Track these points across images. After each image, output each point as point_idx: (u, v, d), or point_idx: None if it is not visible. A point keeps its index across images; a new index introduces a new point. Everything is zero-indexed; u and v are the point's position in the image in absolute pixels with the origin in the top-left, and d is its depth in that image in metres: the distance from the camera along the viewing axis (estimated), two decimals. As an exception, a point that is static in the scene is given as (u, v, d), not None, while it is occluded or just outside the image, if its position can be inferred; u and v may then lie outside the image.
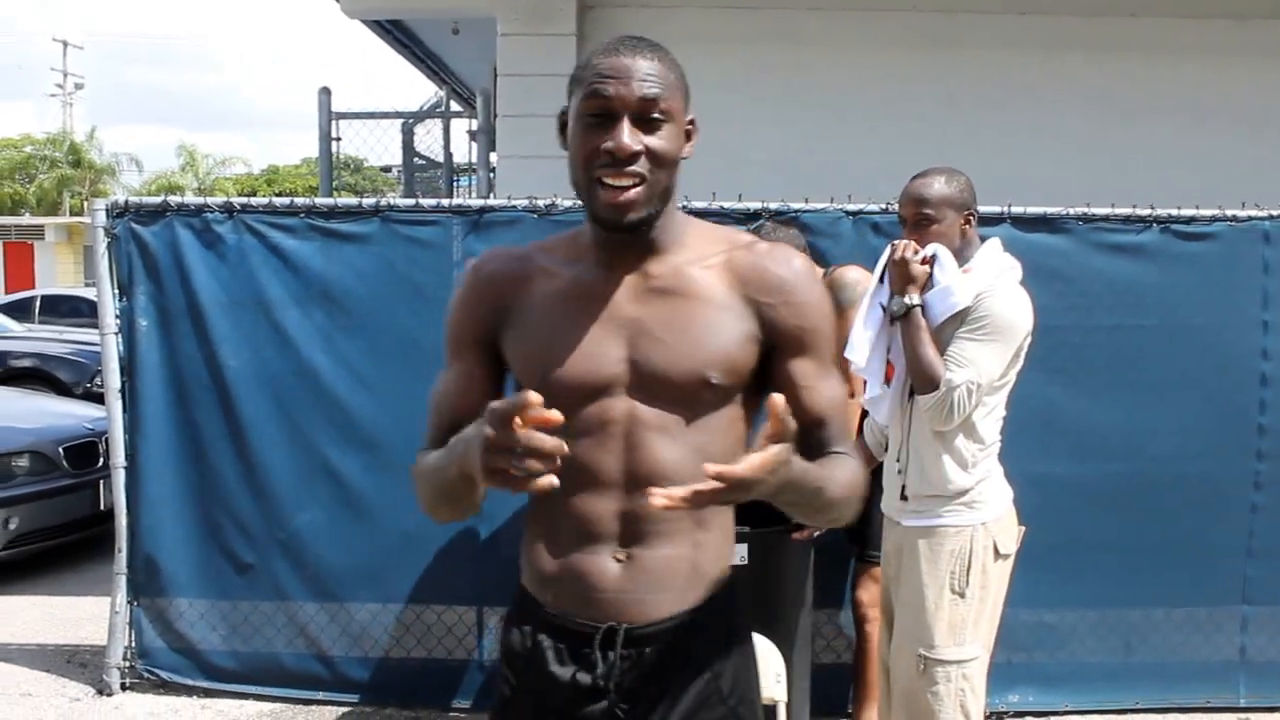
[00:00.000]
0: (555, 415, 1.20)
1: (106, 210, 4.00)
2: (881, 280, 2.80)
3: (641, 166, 1.42)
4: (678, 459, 1.47)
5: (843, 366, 3.16)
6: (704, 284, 1.51)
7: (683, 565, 1.51)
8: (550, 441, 1.20)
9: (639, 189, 1.42)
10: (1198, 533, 3.95)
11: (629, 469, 1.46)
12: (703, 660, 1.53)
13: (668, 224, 1.51)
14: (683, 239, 1.54)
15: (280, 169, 38.83)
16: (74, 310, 13.85)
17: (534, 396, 1.19)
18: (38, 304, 13.93)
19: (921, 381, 2.63)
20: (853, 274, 3.35)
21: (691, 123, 1.50)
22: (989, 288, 2.65)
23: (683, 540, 1.50)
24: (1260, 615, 4.02)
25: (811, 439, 1.51)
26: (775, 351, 1.53)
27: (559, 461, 1.21)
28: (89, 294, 14.97)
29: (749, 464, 1.24)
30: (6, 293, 18.34)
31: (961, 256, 2.73)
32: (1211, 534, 3.97)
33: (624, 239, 1.49)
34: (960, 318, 2.65)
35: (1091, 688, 4.01)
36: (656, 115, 1.43)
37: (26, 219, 26.59)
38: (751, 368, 1.53)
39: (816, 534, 3.22)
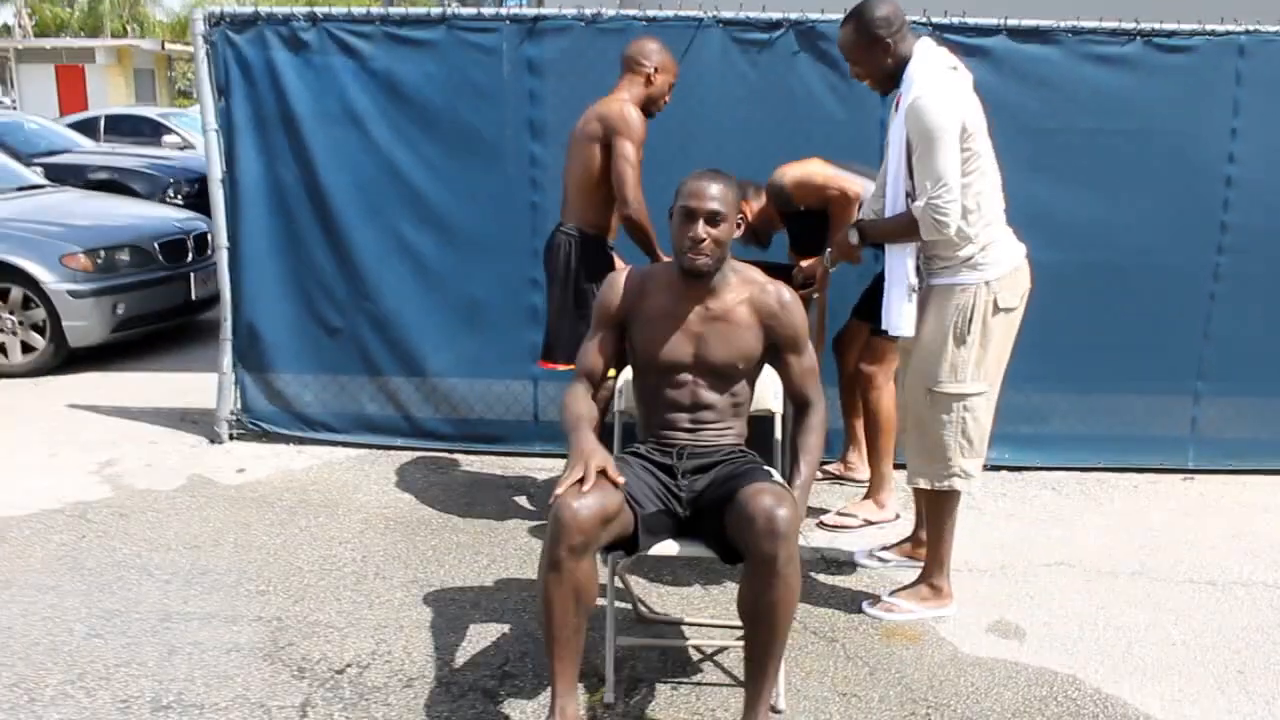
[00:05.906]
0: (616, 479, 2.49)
1: (205, 19, 4.50)
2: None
3: (708, 246, 2.63)
4: (714, 398, 2.77)
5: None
6: (739, 314, 2.73)
7: (723, 433, 2.80)
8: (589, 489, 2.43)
9: (706, 258, 2.65)
10: (1161, 316, 4.45)
11: (691, 402, 2.77)
12: (730, 446, 2.79)
13: (722, 273, 2.71)
14: (728, 282, 2.72)
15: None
16: (135, 130, 14.29)
17: (618, 480, 2.48)
18: (102, 123, 14.41)
19: (914, 233, 3.04)
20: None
21: (742, 217, 2.75)
22: (915, 98, 2.94)
23: (723, 426, 2.79)
24: (1211, 392, 4.55)
25: (797, 400, 2.82)
26: (776, 348, 2.78)
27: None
28: (149, 113, 15.43)
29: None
30: (61, 115, 18.77)
31: (897, 75, 3.09)
32: (1173, 318, 4.46)
33: (696, 281, 2.70)
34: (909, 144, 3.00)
35: (1059, 449, 4.59)
36: (718, 219, 2.64)
37: (79, 41, 26.66)
38: (760, 358, 2.78)
39: (815, 295, 3.76)
